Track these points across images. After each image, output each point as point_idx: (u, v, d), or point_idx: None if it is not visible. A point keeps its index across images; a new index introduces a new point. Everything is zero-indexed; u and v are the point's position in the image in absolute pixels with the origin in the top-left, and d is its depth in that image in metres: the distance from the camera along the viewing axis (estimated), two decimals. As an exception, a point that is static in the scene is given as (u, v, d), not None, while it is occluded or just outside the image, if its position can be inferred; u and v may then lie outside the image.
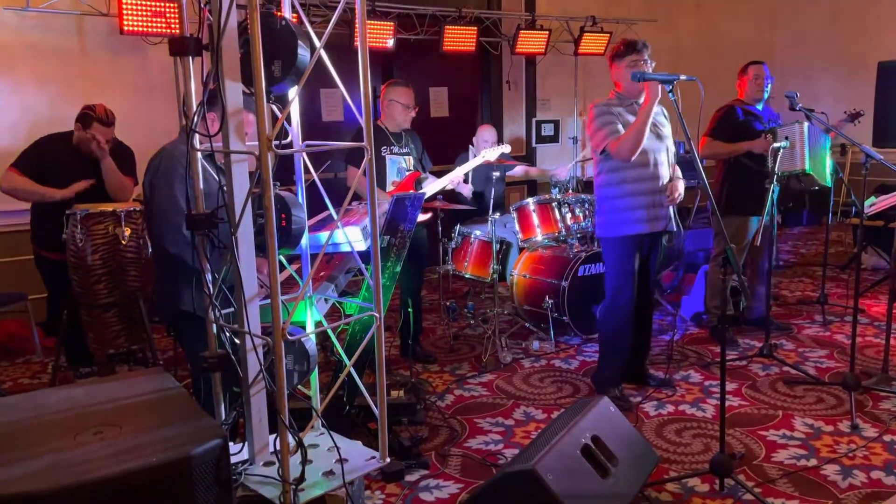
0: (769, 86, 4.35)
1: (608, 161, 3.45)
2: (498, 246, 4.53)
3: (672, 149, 3.55)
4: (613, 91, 3.57)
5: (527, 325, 4.82)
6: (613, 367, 3.66)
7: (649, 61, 3.41)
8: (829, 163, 4.25)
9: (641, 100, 3.43)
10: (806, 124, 4.12)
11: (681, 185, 3.51)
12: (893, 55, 6.25)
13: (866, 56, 7.28)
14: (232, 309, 2.12)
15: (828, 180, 4.25)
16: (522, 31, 6.47)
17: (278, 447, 1.97)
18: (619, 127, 3.38)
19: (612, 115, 3.42)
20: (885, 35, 7.68)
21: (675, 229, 3.59)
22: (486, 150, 4.39)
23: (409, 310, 3.88)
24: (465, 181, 4.91)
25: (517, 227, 4.77)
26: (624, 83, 3.47)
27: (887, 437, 3.14)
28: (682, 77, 2.94)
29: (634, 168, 3.40)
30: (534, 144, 7.31)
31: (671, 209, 3.52)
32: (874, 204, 3.61)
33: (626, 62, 3.42)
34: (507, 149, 4.51)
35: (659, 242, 3.60)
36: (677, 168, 3.60)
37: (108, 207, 3.56)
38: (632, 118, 3.40)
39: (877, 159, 3.44)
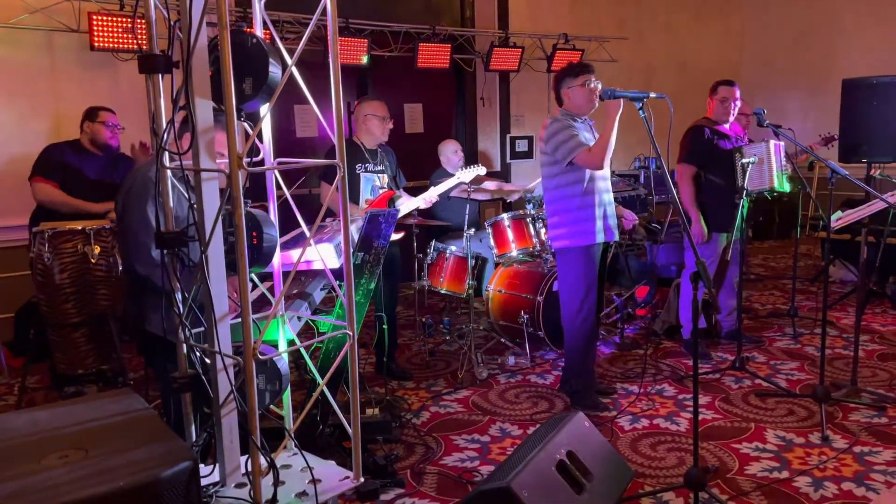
0: (736, 108, 4.42)
1: (570, 174, 3.58)
2: (473, 261, 4.54)
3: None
4: (559, 110, 3.72)
5: (502, 340, 4.82)
6: (585, 375, 3.73)
7: (597, 82, 3.60)
8: (787, 171, 4.34)
9: (587, 116, 3.69)
10: (772, 143, 4.20)
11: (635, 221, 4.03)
12: (857, 73, 6.40)
13: (831, 73, 7.46)
14: (202, 328, 2.09)
15: (785, 186, 4.34)
16: (496, 49, 6.54)
17: (250, 468, 1.94)
18: (583, 139, 3.53)
19: (573, 128, 3.55)
20: (849, 52, 7.88)
21: (618, 239, 3.85)
22: (461, 171, 4.40)
23: (384, 326, 3.86)
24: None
25: (492, 243, 4.79)
26: (576, 101, 3.62)
27: (857, 449, 3.18)
28: (652, 94, 2.99)
29: (594, 181, 3.60)
30: (508, 160, 7.35)
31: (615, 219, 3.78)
32: (840, 218, 3.68)
33: (580, 80, 3.59)
34: (482, 170, 4.53)
35: (608, 249, 3.82)
36: None
37: (77, 225, 3.52)
38: (585, 133, 3.61)
39: (841, 174, 3.51)
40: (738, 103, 4.43)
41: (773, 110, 5.64)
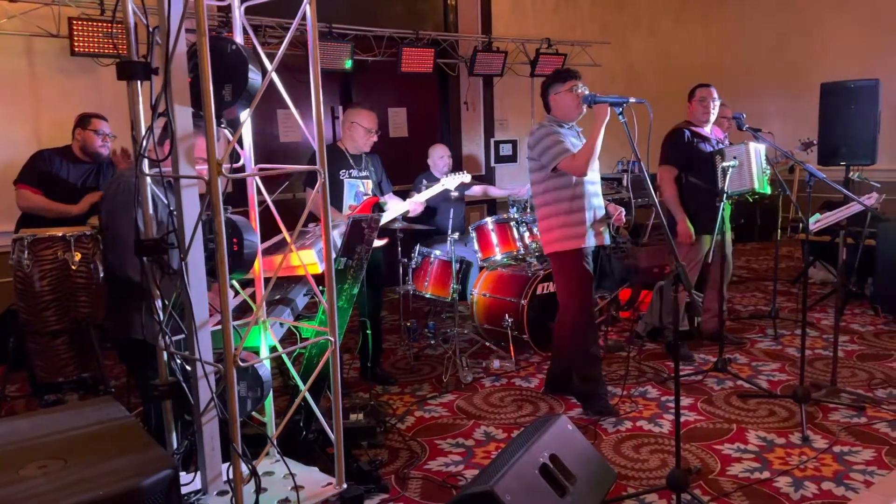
0: (716, 108, 4.47)
1: (555, 179, 3.58)
2: (458, 265, 4.54)
3: (598, 169, 3.73)
4: (546, 117, 3.71)
5: (487, 343, 4.83)
6: (593, 375, 3.71)
7: (584, 88, 3.58)
8: (766, 172, 4.38)
9: (575, 122, 3.67)
10: (752, 145, 4.24)
11: (623, 213, 3.82)
12: (835, 77, 6.49)
13: (810, 77, 7.55)
14: (184, 335, 2.08)
15: (766, 188, 4.37)
16: (480, 53, 6.56)
17: (231, 476, 1.94)
18: (568, 145, 3.52)
19: (559, 134, 3.55)
20: (827, 57, 7.98)
21: (610, 243, 3.80)
22: (446, 178, 4.43)
23: (368, 332, 3.86)
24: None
25: (476, 247, 4.81)
26: (563, 107, 3.62)
27: (836, 448, 3.22)
28: (632, 100, 3.01)
29: (580, 185, 3.58)
30: (492, 164, 7.38)
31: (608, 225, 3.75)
32: (819, 220, 3.73)
33: (566, 86, 3.58)
34: (466, 177, 4.57)
35: (599, 253, 3.79)
36: None
37: (58, 232, 3.49)
38: (573, 139, 3.60)
39: (819, 177, 3.56)
40: (717, 103, 4.47)
41: (753, 114, 5.70)
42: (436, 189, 4.40)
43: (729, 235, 4.59)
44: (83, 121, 4.07)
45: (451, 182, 4.43)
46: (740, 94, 8.52)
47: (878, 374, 4.12)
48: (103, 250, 2.98)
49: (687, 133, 4.42)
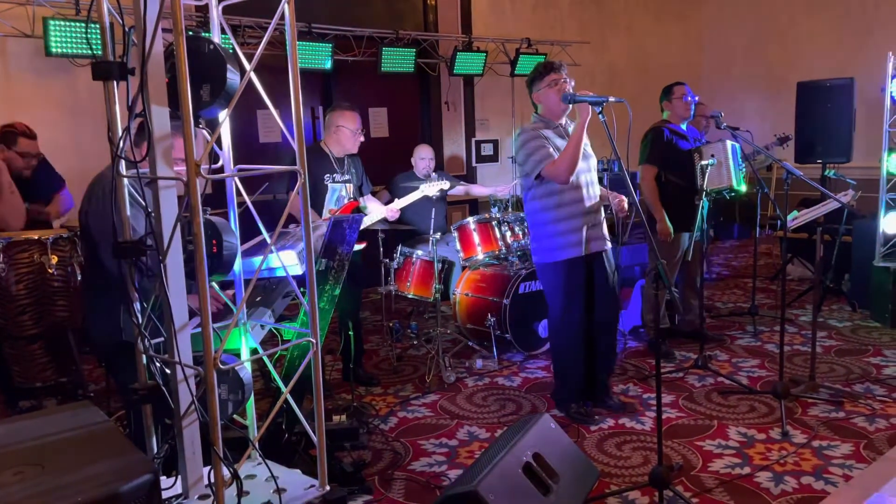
0: (694, 104, 4.51)
1: (541, 186, 3.45)
2: (440, 265, 4.54)
3: (595, 166, 3.60)
4: (532, 117, 3.59)
5: (470, 343, 4.83)
6: (569, 385, 3.66)
7: (569, 80, 3.44)
8: (743, 171, 4.43)
9: (563, 120, 3.51)
10: (729, 142, 4.28)
11: (625, 200, 3.61)
12: (811, 75, 6.57)
13: (787, 76, 7.65)
14: (164, 338, 2.06)
15: (742, 185, 4.41)
16: (460, 53, 6.56)
17: (213, 480, 1.92)
18: (551, 150, 3.39)
19: (541, 138, 3.41)
20: (803, 56, 8.09)
21: (609, 247, 3.60)
22: (425, 185, 4.45)
23: (350, 333, 3.84)
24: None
25: (458, 247, 4.81)
26: (546, 104, 3.49)
27: (815, 443, 3.26)
28: (611, 99, 3.02)
29: (568, 191, 3.42)
30: (474, 164, 7.38)
31: (604, 228, 3.59)
32: (796, 217, 3.77)
33: (546, 82, 3.44)
34: (445, 185, 4.58)
35: (602, 258, 3.56)
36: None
37: (34, 235, 3.44)
38: (559, 140, 3.45)
39: (796, 175, 3.60)
40: (696, 99, 4.52)
41: (731, 112, 5.77)
42: (414, 196, 4.42)
43: (706, 233, 4.63)
44: (6, 138, 3.73)
45: (429, 189, 4.46)
46: (718, 93, 8.61)
47: (856, 369, 4.18)
48: (87, 251, 2.91)
49: (666, 131, 4.45)
